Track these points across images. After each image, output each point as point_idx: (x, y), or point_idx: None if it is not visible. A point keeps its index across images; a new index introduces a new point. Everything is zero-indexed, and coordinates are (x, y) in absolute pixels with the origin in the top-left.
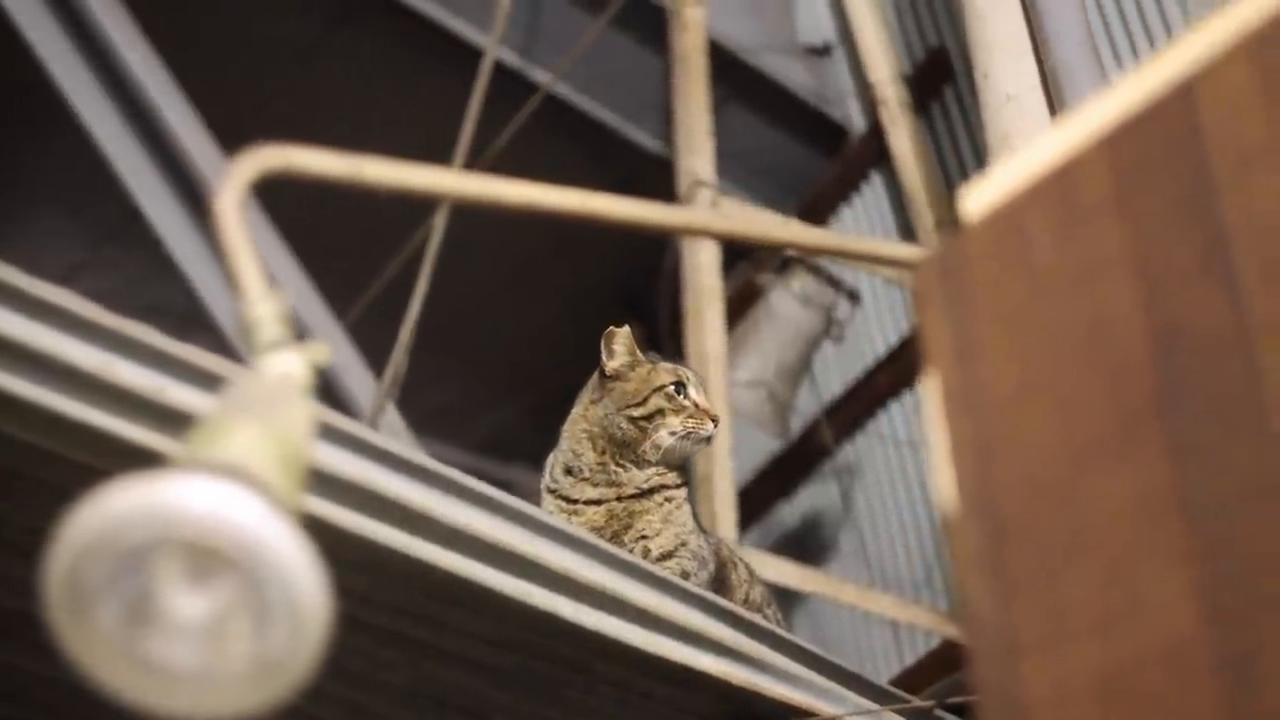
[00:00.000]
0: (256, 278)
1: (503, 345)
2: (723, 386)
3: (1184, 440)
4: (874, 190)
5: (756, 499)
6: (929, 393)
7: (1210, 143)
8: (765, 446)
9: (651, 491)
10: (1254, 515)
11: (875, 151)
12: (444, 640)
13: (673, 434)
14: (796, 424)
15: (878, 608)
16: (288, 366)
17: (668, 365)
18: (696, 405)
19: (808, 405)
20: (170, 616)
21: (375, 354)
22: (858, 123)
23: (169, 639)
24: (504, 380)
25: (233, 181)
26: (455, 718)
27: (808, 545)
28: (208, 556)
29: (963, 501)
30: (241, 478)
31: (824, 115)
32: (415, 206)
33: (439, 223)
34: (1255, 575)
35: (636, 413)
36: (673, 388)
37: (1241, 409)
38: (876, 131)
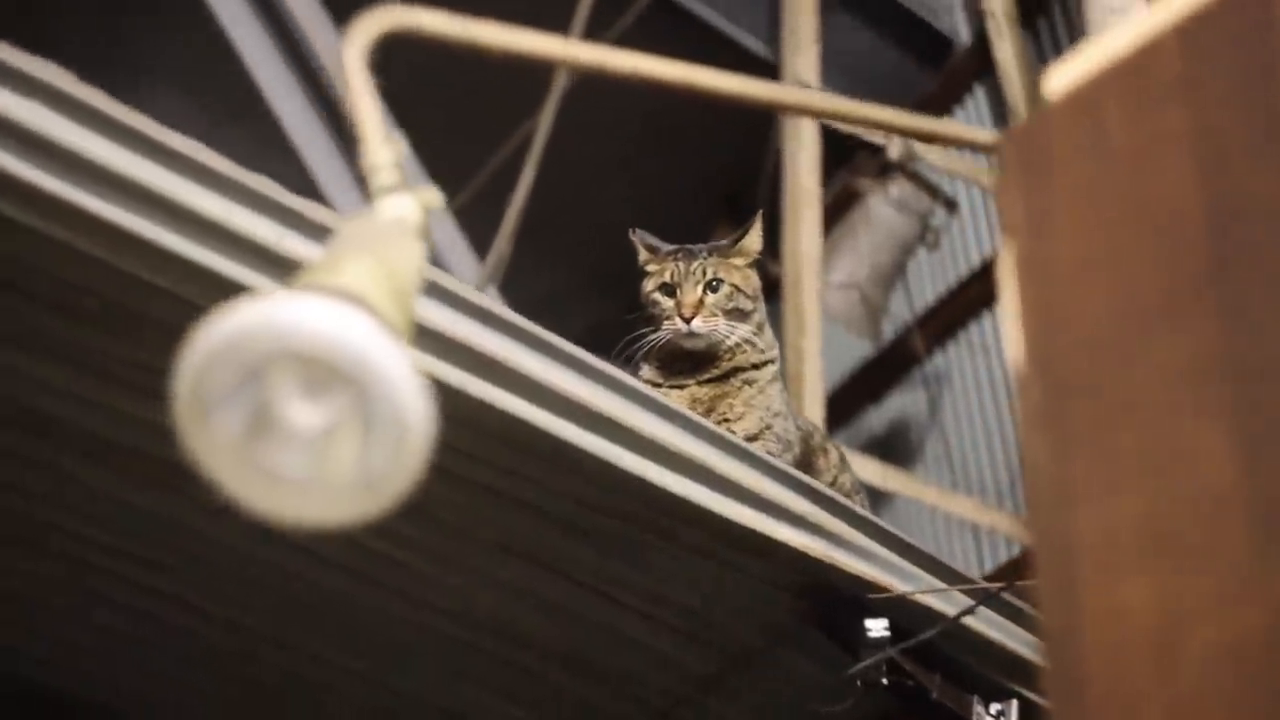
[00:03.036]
0: (377, 126)
1: (604, 240)
2: (816, 287)
3: (1235, 307)
4: (976, 103)
5: (844, 403)
6: (1003, 260)
7: None
8: (855, 351)
9: (727, 376)
10: None
11: (979, 64)
12: (536, 498)
13: (663, 333)
14: (888, 330)
15: (959, 510)
16: (401, 209)
17: (666, 266)
18: (677, 304)
19: (900, 313)
20: (285, 426)
21: (480, 241)
22: (963, 34)
23: (282, 448)
24: (604, 274)
25: (358, 34)
26: (541, 573)
27: (893, 451)
28: (322, 372)
29: (1028, 362)
30: (357, 302)
31: (929, 26)
32: (524, 96)
33: (547, 112)
34: None
35: (648, 313)
36: (658, 293)
37: None
38: (982, 43)
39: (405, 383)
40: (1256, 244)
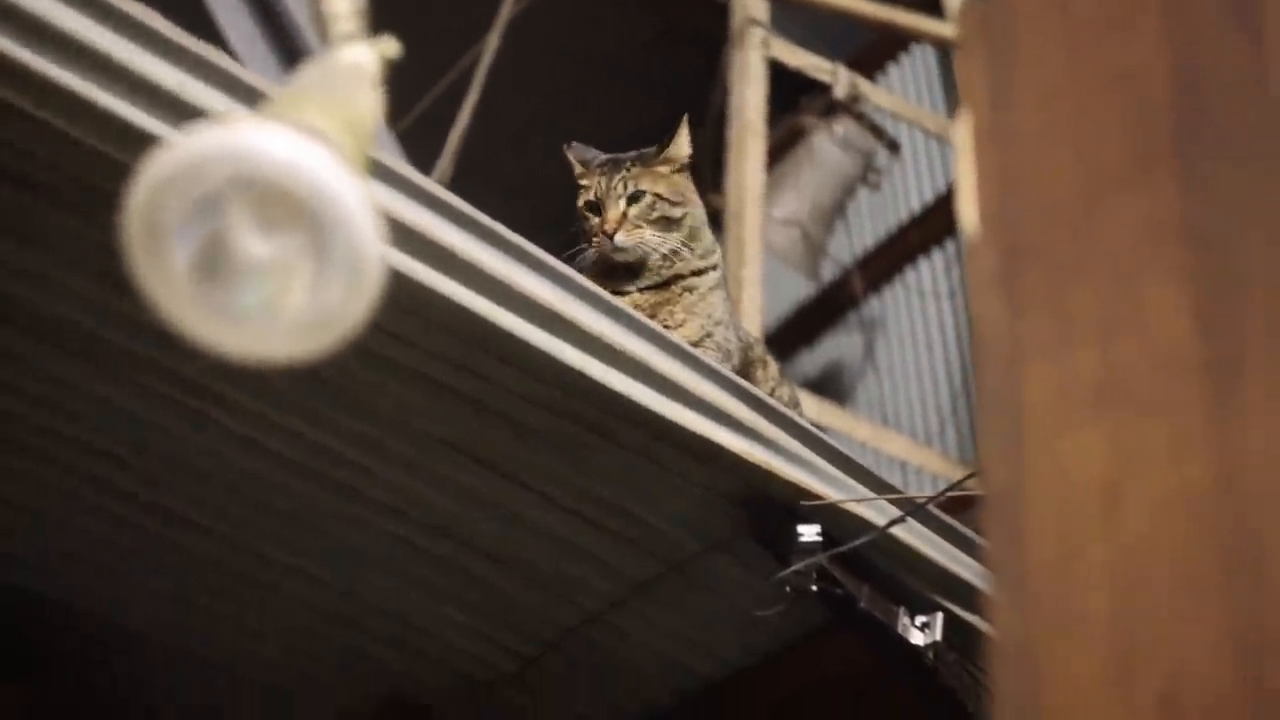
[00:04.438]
0: None
1: (544, 180)
2: (758, 220)
3: (1195, 175)
4: (924, 52)
5: (780, 345)
6: (960, 129)
7: None
8: (792, 293)
9: (668, 283)
10: (1251, 237)
11: (928, 11)
12: (480, 392)
13: (593, 250)
14: (827, 273)
15: (891, 448)
16: (359, 56)
17: (594, 181)
18: (601, 221)
19: (840, 255)
20: (238, 260)
21: (420, 169)
22: None
23: (235, 282)
24: (542, 214)
25: None
26: (483, 471)
27: (827, 392)
28: (278, 205)
29: (984, 227)
30: (318, 136)
31: None
32: (470, 23)
33: (493, 40)
34: (1245, 289)
35: (583, 228)
36: (586, 210)
37: (1254, 147)
38: None
39: (362, 217)
40: (1219, 114)
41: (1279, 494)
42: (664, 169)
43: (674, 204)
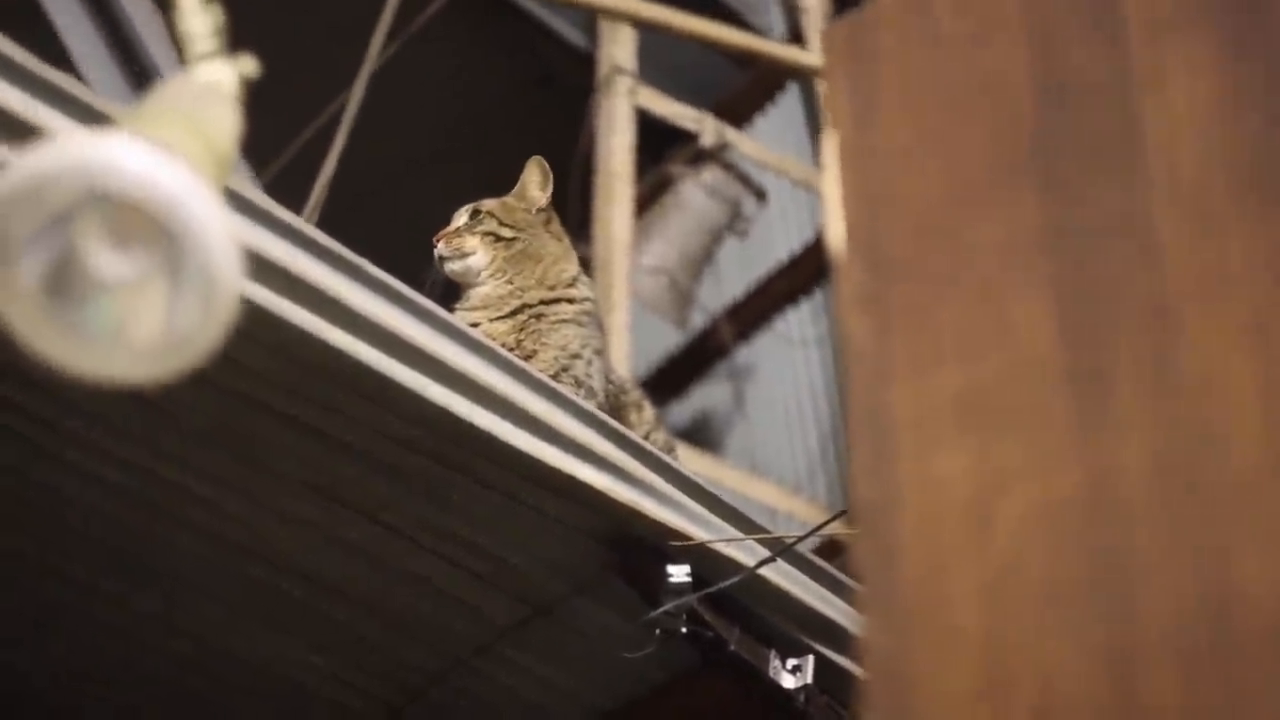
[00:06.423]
0: None
1: (413, 231)
2: (626, 269)
3: (1054, 181)
4: (790, 100)
5: (648, 396)
6: (828, 149)
7: None
8: (661, 343)
9: (516, 312)
10: (1113, 247)
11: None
12: (339, 428)
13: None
14: (696, 321)
15: (759, 495)
16: (217, 75)
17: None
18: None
19: (708, 304)
20: (90, 275)
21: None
22: (778, 30)
23: (86, 301)
24: (410, 266)
25: None
26: (344, 511)
27: (696, 443)
28: (131, 223)
29: (850, 246)
30: (174, 152)
31: (745, 21)
32: (334, 79)
33: (357, 90)
34: (1108, 300)
35: None
36: None
37: (1116, 152)
38: (797, 41)
39: (217, 237)
40: (1077, 119)
41: (1144, 505)
42: (513, 201)
43: (504, 224)
